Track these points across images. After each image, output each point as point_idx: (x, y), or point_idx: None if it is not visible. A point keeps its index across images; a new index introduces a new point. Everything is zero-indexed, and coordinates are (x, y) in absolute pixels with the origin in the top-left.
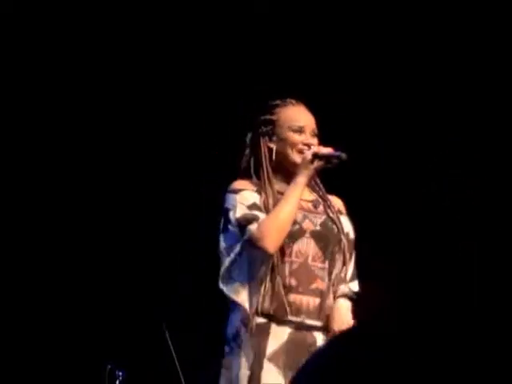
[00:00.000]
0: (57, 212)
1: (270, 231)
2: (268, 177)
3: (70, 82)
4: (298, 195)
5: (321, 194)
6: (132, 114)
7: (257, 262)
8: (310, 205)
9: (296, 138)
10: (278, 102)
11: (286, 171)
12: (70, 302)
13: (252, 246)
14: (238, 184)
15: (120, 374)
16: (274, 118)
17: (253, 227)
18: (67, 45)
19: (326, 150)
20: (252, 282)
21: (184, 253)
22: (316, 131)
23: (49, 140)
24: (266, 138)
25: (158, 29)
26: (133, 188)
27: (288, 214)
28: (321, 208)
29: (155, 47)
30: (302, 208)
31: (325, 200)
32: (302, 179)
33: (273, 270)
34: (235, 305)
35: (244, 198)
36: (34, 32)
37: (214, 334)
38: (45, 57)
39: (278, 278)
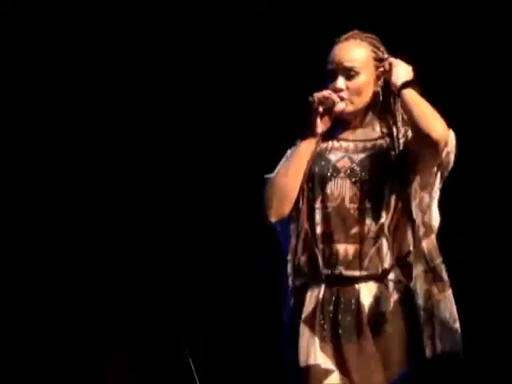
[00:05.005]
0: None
1: (267, 199)
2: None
3: (70, 82)
4: (297, 152)
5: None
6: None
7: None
8: (360, 145)
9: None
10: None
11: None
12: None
13: None
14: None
15: None
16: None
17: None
18: (67, 45)
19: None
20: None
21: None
22: (356, 70)
23: (61, 140)
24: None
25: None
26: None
27: (283, 174)
28: (377, 146)
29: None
30: (345, 149)
31: (391, 137)
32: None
33: (299, 219)
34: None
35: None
36: (34, 32)
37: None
38: (45, 57)
39: (307, 228)
